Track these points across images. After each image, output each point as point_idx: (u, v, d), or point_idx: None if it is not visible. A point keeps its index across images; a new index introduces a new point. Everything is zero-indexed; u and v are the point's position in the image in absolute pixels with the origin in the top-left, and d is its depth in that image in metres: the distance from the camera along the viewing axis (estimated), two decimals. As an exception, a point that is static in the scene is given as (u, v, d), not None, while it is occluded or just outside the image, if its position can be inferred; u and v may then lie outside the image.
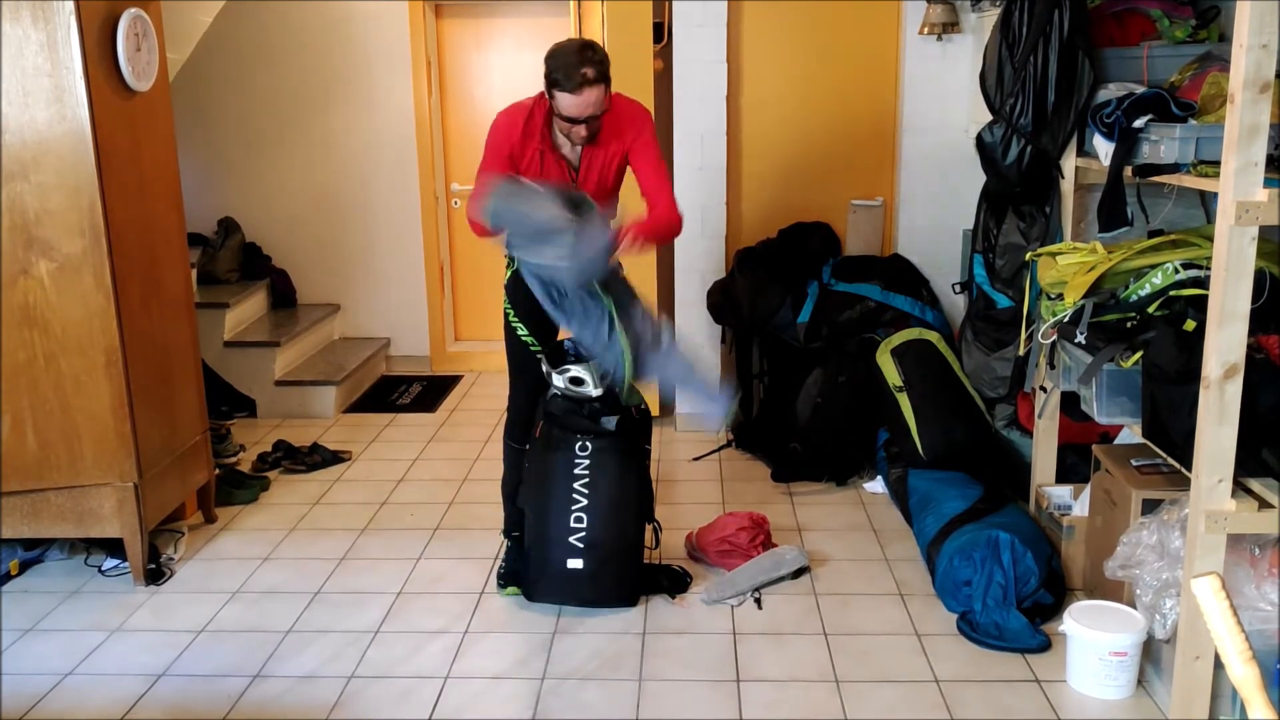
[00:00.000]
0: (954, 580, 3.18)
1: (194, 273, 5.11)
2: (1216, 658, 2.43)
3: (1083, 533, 3.26)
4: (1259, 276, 2.36)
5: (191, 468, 3.80)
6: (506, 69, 5.96)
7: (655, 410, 4.76)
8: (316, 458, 4.61)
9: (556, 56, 2.98)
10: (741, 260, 4.65)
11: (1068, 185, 3.28)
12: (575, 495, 3.21)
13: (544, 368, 3.26)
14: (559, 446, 3.26)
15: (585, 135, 3.08)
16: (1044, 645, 2.98)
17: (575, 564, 3.19)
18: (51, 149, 3.15)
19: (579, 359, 3.21)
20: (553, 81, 2.98)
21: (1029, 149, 3.24)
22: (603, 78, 2.98)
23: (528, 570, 3.28)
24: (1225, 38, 3.19)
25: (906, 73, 4.62)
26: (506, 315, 3.35)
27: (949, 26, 4.46)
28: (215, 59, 5.72)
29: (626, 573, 3.27)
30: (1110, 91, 3.05)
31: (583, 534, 3.19)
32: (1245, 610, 2.43)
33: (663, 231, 3.19)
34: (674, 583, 3.37)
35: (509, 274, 3.32)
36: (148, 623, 3.26)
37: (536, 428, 3.35)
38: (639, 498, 3.30)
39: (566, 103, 2.98)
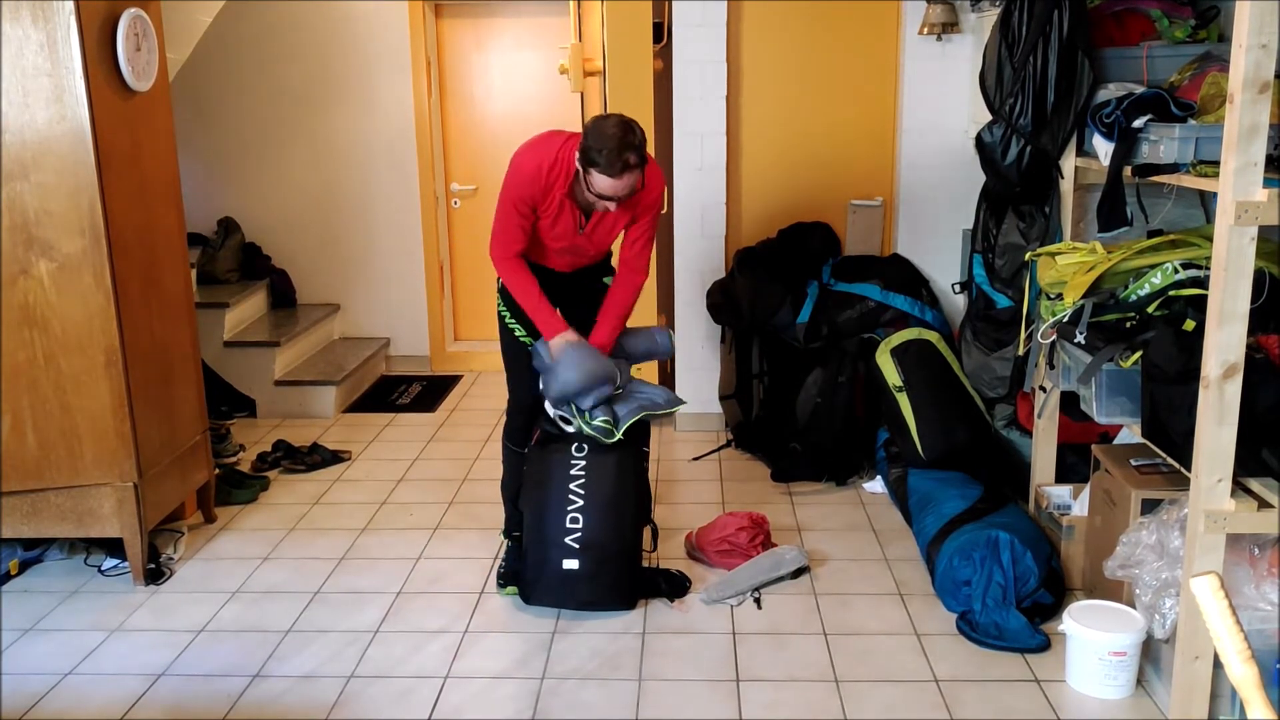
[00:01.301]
0: (954, 580, 3.18)
1: (194, 273, 5.11)
2: (1216, 657, 2.43)
3: (1082, 532, 3.26)
4: (1258, 276, 2.36)
5: (191, 467, 3.80)
6: (506, 69, 5.97)
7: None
8: (316, 457, 4.61)
9: (597, 136, 2.90)
10: (741, 260, 4.65)
11: (1067, 185, 3.28)
12: (572, 496, 3.20)
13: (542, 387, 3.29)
14: (556, 448, 3.26)
15: (613, 209, 3.07)
16: (1043, 645, 2.98)
17: (571, 564, 3.19)
18: (51, 149, 3.15)
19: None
20: (591, 160, 2.91)
21: (1029, 149, 3.24)
22: (642, 161, 2.95)
23: (525, 572, 3.28)
24: (1225, 38, 3.19)
25: (906, 73, 4.62)
26: (502, 318, 3.35)
27: (949, 26, 4.46)
28: (215, 59, 5.72)
29: (624, 575, 3.26)
30: (1110, 91, 3.05)
31: (579, 534, 3.18)
32: (1244, 610, 2.43)
33: (626, 308, 3.32)
34: (673, 586, 3.36)
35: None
36: (147, 622, 3.26)
37: (534, 434, 3.36)
38: (636, 499, 3.30)
39: (603, 184, 2.94)
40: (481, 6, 5.89)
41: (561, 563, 3.19)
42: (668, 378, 5.10)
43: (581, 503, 3.20)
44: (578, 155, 2.98)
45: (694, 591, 3.37)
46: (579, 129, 3.18)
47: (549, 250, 3.26)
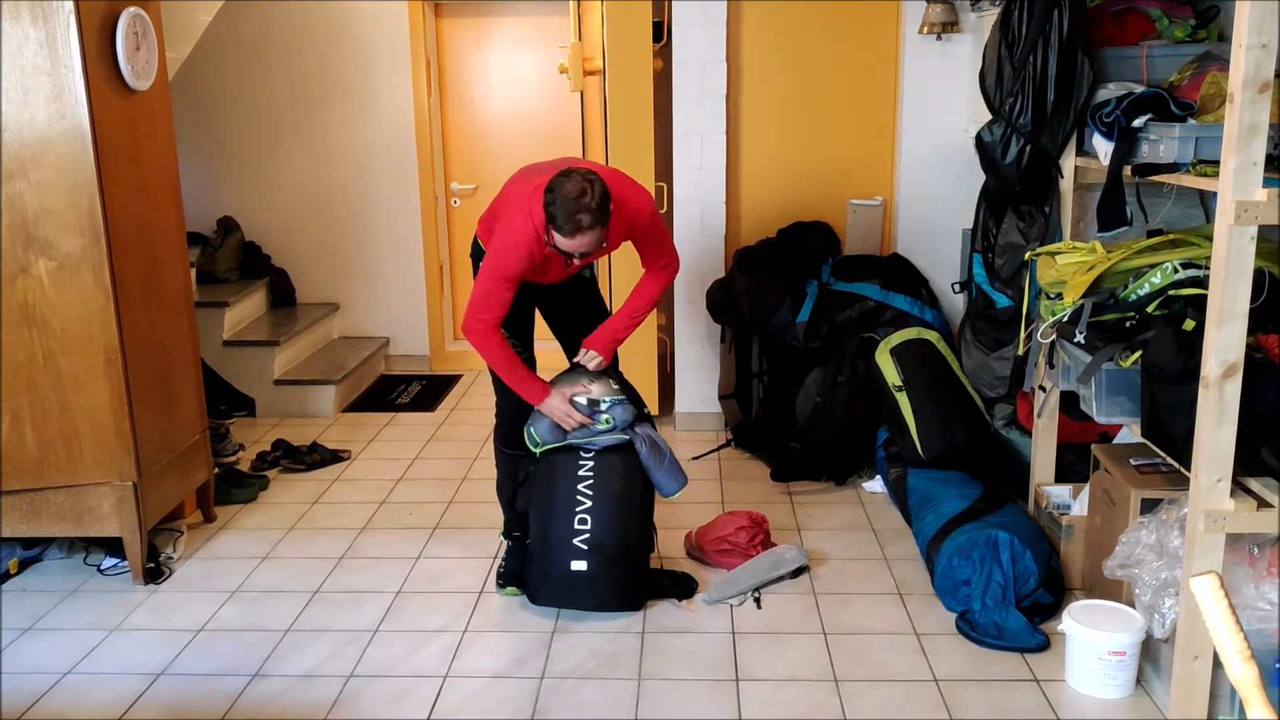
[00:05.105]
0: (953, 579, 3.18)
1: (193, 272, 5.11)
2: (1215, 657, 2.43)
3: (1082, 532, 3.26)
4: (1258, 276, 2.36)
5: (190, 467, 3.80)
6: (506, 68, 5.97)
7: (655, 410, 4.76)
8: (316, 457, 4.61)
9: (554, 199, 2.89)
10: (741, 260, 4.65)
11: (1067, 185, 3.28)
12: (580, 497, 3.19)
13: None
14: (563, 451, 3.25)
15: (578, 262, 3.08)
16: (1043, 645, 2.98)
17: (579, 566, 3.17)
18: (51, 148, 3.15)
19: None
20: (549, 218, 2.92)
21: (1028, 148, 3.24)
22: (598, 221, 2.92)
23: (532, 573, 3.27)
24: (1225, 37, 3.19)
25: (906, 73, 4.62)
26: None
27: (949, 26, 4.46)
28: (215, 59, 5.72)
29: (630, 577, 3.24)
30: (1110, 91, 3.05)
31: (587, 535, 3.17)
32: (1244, 610, 2.43)
33: (642, 313, 3.31)
34: (678, 586, 3.34)
35: None
36: (147, 622, 3.26)
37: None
38: (644, 499, 3.28)
39: (562, 242, 2.96)
40: (481, 6, 5.89)
41: (569, 564, 3.17)
42: (667, 378, 5.10)
43: (590, 503, 3.19)
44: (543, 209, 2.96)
45: (696, 591, 3.37)
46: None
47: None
